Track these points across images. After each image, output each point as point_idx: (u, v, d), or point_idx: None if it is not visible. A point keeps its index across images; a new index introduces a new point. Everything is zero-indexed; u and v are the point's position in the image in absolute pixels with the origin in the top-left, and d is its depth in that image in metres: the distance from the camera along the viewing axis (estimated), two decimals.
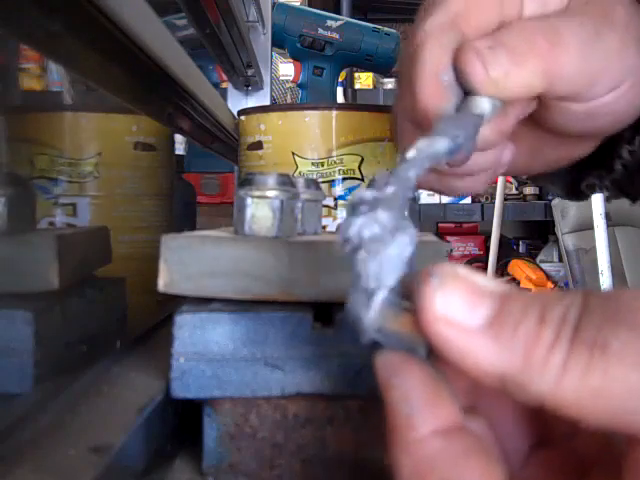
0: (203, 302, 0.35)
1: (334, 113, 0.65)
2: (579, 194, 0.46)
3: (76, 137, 0.65)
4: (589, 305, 0.19)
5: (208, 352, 0.33)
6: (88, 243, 0.48)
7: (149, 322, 0.53)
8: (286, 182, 0.38)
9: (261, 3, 1.14)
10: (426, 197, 2.39)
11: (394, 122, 0.39)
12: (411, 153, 0.26)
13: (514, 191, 2.51)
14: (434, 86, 0.33)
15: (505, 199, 2.26)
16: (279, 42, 1.31)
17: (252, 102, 1.16)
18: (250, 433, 0.34)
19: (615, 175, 0.41)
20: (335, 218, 0.65)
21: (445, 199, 2.45)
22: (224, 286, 0.35)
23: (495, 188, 2.24)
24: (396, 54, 1.28)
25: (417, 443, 0.20)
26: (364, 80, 2.74)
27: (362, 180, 0.65)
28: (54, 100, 1.48)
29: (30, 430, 0.30)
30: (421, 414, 0.20)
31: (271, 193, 0.37)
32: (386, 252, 0.22)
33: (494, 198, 2.27)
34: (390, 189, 0.23)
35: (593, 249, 1.82)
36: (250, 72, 1.09)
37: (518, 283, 2.36)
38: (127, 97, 0.49)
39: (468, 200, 2.46)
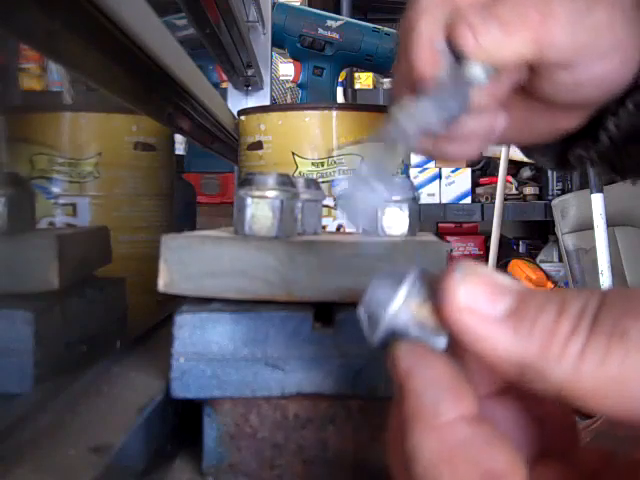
0: (203, 302, 0.35)
1: (334, 113, 0.65)
2: (567, 165, 0.47)
3: (76, 137, 0.64)
4: (608, 299, 0.20)
5: (208, 352, 0.33)
6: (88, 243, 0.48)
7: (149, 322, 0.53)
8: (286, 182, 0.38)
9: (261, 3, 1.14)
10: (426, 197, 2.38)
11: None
12: (403, 110, 0.30)
13: (514, 191, 2.51)
14: (429, 53, 0.35)
15: (505, 199, 2.26)
16: (279, 42, 1.31)
17: (252, 102, 1.16)
18: (250, 433, 0.34)
19: (601, 147, 0.42)
20: (335, 218, 0.65)
21: (445, 199, 2.44)
22: (224, 286, 0.35)
23: (495, 188, 2.23)
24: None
25: (446, 427, 0.20)
26: (364, 80, 2.73)
27: None
28: (54, 100, 1.48)
29: (30, 430, 0.30)
30: (448, 400, 0.21)
31: (271, 193, 0.37)
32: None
33: (494, 198, 2.27)
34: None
35: (593, 249, 1.82)
36: (250, 72, 1.09)
37: None
38: (127, 97, 0.49)
39: (468, 200, 2.45)
